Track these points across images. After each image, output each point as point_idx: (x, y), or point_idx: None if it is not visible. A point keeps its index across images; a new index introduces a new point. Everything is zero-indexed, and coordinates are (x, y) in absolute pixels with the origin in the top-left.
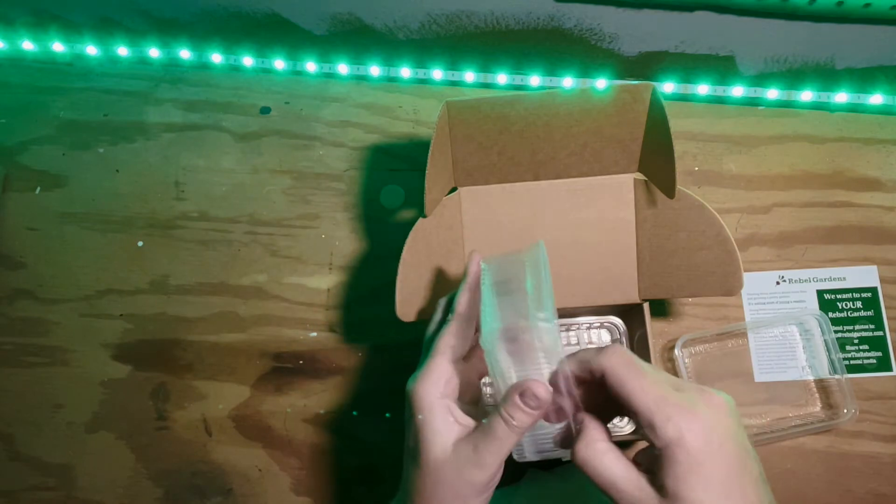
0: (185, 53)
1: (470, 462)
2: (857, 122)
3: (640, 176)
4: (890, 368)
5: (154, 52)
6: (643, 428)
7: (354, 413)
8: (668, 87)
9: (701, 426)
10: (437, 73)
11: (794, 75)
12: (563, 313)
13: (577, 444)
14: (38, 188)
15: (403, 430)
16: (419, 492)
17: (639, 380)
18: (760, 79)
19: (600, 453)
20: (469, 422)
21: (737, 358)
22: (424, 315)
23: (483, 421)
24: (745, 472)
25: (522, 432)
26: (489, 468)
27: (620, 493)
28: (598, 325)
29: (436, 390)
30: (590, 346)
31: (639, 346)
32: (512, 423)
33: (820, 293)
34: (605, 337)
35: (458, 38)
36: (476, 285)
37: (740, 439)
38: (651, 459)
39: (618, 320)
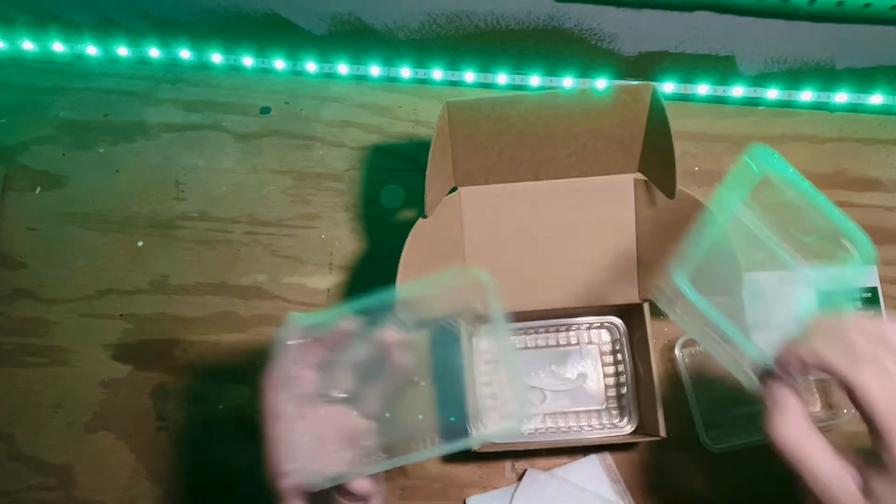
0: (185, 53)
1: None
2: (857, 122)
3: (640, 176)
4: None
5: (154, 52)
6: (874, 432)
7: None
8: (668, 87)
9: None
10: (437, 73)
11: (794, 75)
12: (564, 313)
13: (776, 416)
14: (38, 188)
15: None
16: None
17: (882, 390)
18: (760, 79)
19: (805, 433)
20: None
21: None
22: None
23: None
24: None
25: None
26: None
27: (821, 485)
28: (598, 325)
29: None
30: (590, 345)
31: (639, 346)
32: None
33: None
34: (605, 337)
35: (458, 38)
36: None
37: None
38: (866, 460)
39: (618, 320)
